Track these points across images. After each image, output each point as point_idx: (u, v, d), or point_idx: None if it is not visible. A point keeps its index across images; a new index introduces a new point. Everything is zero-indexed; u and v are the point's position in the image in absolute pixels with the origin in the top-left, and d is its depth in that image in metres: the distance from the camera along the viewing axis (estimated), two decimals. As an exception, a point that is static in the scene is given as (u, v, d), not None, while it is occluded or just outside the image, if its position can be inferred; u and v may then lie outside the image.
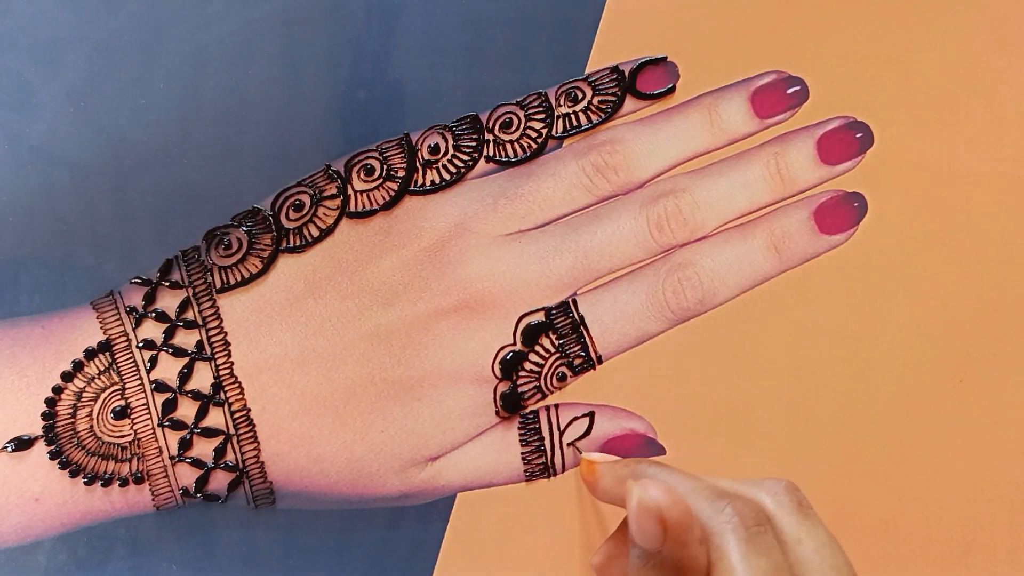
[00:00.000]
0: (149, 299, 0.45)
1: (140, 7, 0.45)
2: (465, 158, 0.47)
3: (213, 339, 0.45)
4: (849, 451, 0.47)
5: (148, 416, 0.44)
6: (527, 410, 0.47)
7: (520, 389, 0.46)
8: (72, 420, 0.44)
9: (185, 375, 0.44)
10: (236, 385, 0.44)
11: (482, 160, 0.47)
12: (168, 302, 0.45)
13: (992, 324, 0.48)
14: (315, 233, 0.46)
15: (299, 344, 0.45)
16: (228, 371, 0.44)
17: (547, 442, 0.47)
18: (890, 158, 0.48)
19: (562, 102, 0.47)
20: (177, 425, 0.44)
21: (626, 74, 0.48)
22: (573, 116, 0.47)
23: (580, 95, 0.47)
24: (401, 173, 0.46)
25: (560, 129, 0.47)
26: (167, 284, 0.45)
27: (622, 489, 0.39)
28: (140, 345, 0.44)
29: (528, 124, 0.47)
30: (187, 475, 0.44)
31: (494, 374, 0.46)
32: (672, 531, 0.35)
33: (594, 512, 0.47)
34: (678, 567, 0.36)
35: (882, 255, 0.48)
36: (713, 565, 0.36)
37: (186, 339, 0.45)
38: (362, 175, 0.46)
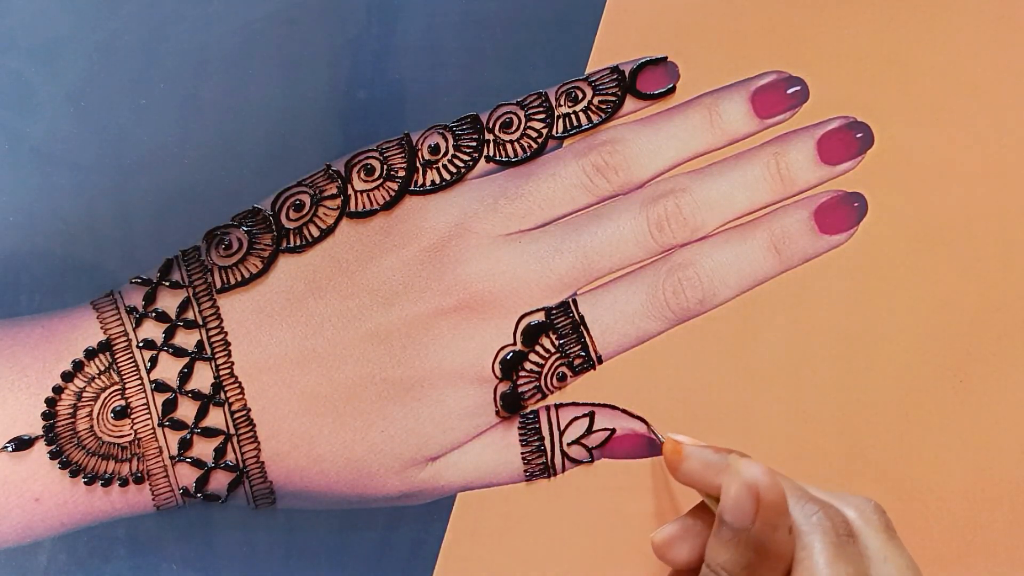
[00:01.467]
0: (149, 299, 0.45)
1: (140, 7, 0.45)
2: (465, 158, 0.47)
3: (213, 339, 0.45)
4: (849, 451, 0.47)
5: (148, 416, 0.44)
6: (527, 410, 0.47)
7: (520, 389, 0.46)
8: (72, 420, 0.44)
9: (185, 375, 0.44)
10: (236, 385, 0.44)
11: (482, 160, 0.47)
12: (168, 302, 0.45)
13: (992, 324, 0.48)
14: (315, 233, 0.46)
15: (299, 344, 0.45)
16: (228, 371, 0.44)
17: (547, 442, 0.47)
18: (890, 158, 0.48)
19: (562, 102, 0.47)
20: (177, 425, 0.44)
21: (626, 74, 0.48)
22: (573, 116, 0.47)
23: (580, 95, 0.47)
24: (401, 173, 0.46)
25: (560, 129, 0.47)
26: (167, 284, 0.45)
27: (707, 473, 0.40)
28: (140, 345, 0.44)
29: (528, 124, 0.47)
30: (187, 475, 0.44)
31: (494, 374, 0.46)
32: (765, 512, 0.36)
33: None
34: (763, 549, 0.37)
35: (882, 255, 0.48)
36: (798, 562, 0.37)
37: (186, 339, 0.45)
38: (362, 175, 0.46)
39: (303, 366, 0.45)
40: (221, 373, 0.44)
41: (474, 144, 0.47)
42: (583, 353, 0.47)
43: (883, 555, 0.38)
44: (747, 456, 0.40)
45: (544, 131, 0.47)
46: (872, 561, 0.37)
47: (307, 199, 0.46)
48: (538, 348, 0.46)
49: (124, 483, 0.44)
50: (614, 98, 0.47)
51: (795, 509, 0.38)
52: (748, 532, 0.37)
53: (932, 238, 0.48)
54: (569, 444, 0.47)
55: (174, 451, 0.44)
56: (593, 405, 0.47)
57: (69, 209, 0.45)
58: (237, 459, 0.44)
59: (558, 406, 0.47)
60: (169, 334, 0.44)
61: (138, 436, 0.44)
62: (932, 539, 0.47)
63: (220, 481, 0.45)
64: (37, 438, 0.43)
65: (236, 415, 0.44)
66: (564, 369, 0.47)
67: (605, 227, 0.47)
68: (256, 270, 0.45)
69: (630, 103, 0.48)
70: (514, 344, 0.46)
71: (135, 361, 0.44)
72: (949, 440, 0.48)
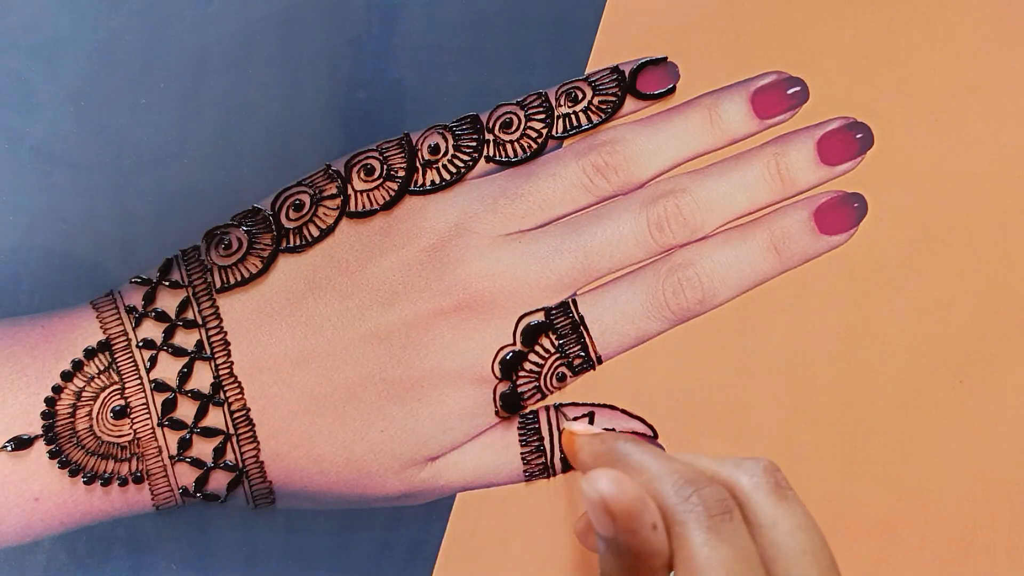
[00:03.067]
0: (149, 299, 0.45)
1: (140, 7, 0.45)
2: (465, 158, 0.47)
3: (213, 339, 0.45)
4: (849, 451, 0.47)
5: (148, 416, 0.44)
6: (527, 410, 0.47)
7: (520, 389, 0.46)
8: (72, 419, 0.44)
9: (185, 375, 0.44)
10: (236, 385, 0.44)
11: (482, 160, 0.47)
12: (168, 302, 0.45)
13: (992, 324, 0.48)
14: (315, 233, 0.46)
15: (299, 344, 0.45)
16: (228, 371, 0.44)
17: (547, 442, 0.47)
18: (890, 158, 0.48)
19: (562, 102, 0.47)
20: (177, 425, 0.44)
21: (626, 74, 0.48)
22: (573, 116, 0.47)
23: (580, 95, 0.47)
24: (401, 173, 0.46)
25: (560, 129, 0.47)
26: (167, 284, 0.45)
27: (598, 464, 0.40)
28: (140, 345, 0.44)
29: (528, 124, 0.47)
30: (187, 475, 0.44)
31: (494, 374, 0.46)
32: (620, 520, 0.36)
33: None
34: (633, 553, 0.36)
35: (882, 255, 0.48)
36: (676, 554, 0.36)
37: (186, 339, 0.45)
38: (362, 175, 0.46)
39: (303, 366, 0.45)
40: (221, 373, 0.44)
41: (474, 144, 0.47)
42: (583, 353, 0.47)
43: (772, 520, 0.37)
44: (633, 443, 0.40)
45: (544, 131, 0.47)
46: (762, 528, 0.37)
47: (307, 199, 0.46)
48: (538, 348, 0.46)
49: (123, 483, 0.44)
50: (614, 98, 0.47)
51: (671, 496, 0.37)
52: (616, 540, 0.37)
53: (932, 238, 0.48)
54: (557, 408, 0.47)
55: (173, 451, 0.44)
56: (593, 405, 0.47)
57: (69, 209, 0.45)
58: (236, 459, 0.44)
59: (558, 406, 0.47)
60: (169, 334, 0.44)
61: (137, 436, 0.44)
62: (932, 539, 0.47)
63: (219, 481, 0.45)
64: (36, 438, 0.43)
65: (235, 415, 0.44)
66: (564, 369, 0.47)
67: (605, 227, 0.47)
68: (256, 270, 0.45)
69: (630, 103, 0.48)
70: (514, 344, 0.46)
71: (134, 361, 0.44)
72: (949, 440, 0.48)
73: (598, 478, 0.37)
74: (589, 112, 0.47)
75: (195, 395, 0.44)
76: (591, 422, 0.47)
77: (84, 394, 0.44)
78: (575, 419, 0.47)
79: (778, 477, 0.38)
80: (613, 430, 0.46)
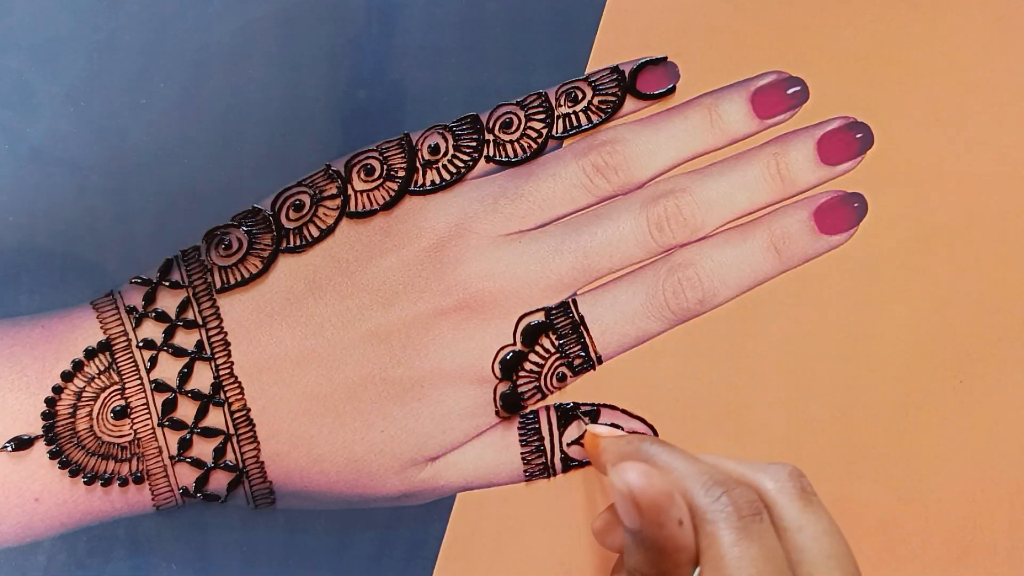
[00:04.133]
0: (149, 299, 0.45)
1: (140, 7, 0.45)
2: (465, 158, 0.47)
3: (213, 339, 0.45)
4: (849, 451, 0.47)
5: (148, 416, 0.44)
6: (527, 410, 0.47)
7: (520, 389, 0.46)
8: (72, 420, 0.44)
9: (185, 375, 0.44)
10: (236, 385, 0.44)
11: (482, 160, 0.47)
12: (168, 302, 0.45)
13: (992, 324, 0.48)
14: (315, 233, 0.46)
15: (299, 344, 0.45)
16: (228, 371, 0.44)
17: (547, 442, 0.47)
18: (890, 158, 0.48)
19: (562, 102, 0.47)
20: (177, 425, 0.44)
21: (626, 74, 0.48)
22: (573, 116, 0.47)
23: (580, 95, 0.47)
24: (401, 173, 0.46)
25: (560, 129, 0.47)
26: (167, 284, 0.45)
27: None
28: (140, 345, 0.44)
29: (528, 124, 0.47)
30: (187, 475, 0.44)
31: (494, 374, 0.46)
32: (647, 513, 0.36)
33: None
34: (659, 547, 0.37)
35: (882, 255, 0.48)
36: (703, 552, 0.37)
37: (186, 339, 0.45)
38: (362, 175, 0.46)
39: (303, 366, 0.45)
40: (221, 373, 0.44)
41: (474, 144, 0.47)
42: (583, 353, 0.47)
43: (798, 524, 0.37)
44: (659, 445, 0.40)
45: (544, 131, 0.47)
46: (788, 532, 0.37)
47: (307, 199, 0.46)
48: (538, 348, 0.46)
49: (124, 483, 0.44)
50: (614, 98, 0.47)
51: (700, 495, 0.37)
52: (642, 533, 0.37)
53: (932, 238, 0.48)
54: (569, 444, 0.47)
55: (174, 451, 0.44)
56: (593, 405, 0.47)
57: (69, 209, 0.45)
58: (237, 459, 0.44)
59: (558, 406, 0.47)
60: (169, 334, 0.44)
61: (138, 436, 0.44)
62: (932, 539, 0.47)
63: (220, 481, 0.45)
64: (37, 438, 0.43)
65: (236, 415, 0.44)
66: (564, 369, 0.47)
67: (605, 227, 0.47)
68: (256, 270, 0.45)
69: (630, 103, 0.48)
70: (514, 344, 0.46)
71: (135, 361, 0.44)
72: (949, 440, 0.48)
73: (627, 470, 0.37)
74: (589, 112, 0.47)
75: (195, 395, 0.44)
76: (591, 422, 0.47)
77: (84, 394, 0.44)
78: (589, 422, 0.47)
79: (804, 482, 0.39)
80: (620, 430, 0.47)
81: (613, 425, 0.47)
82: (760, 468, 0.39)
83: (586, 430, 0.43)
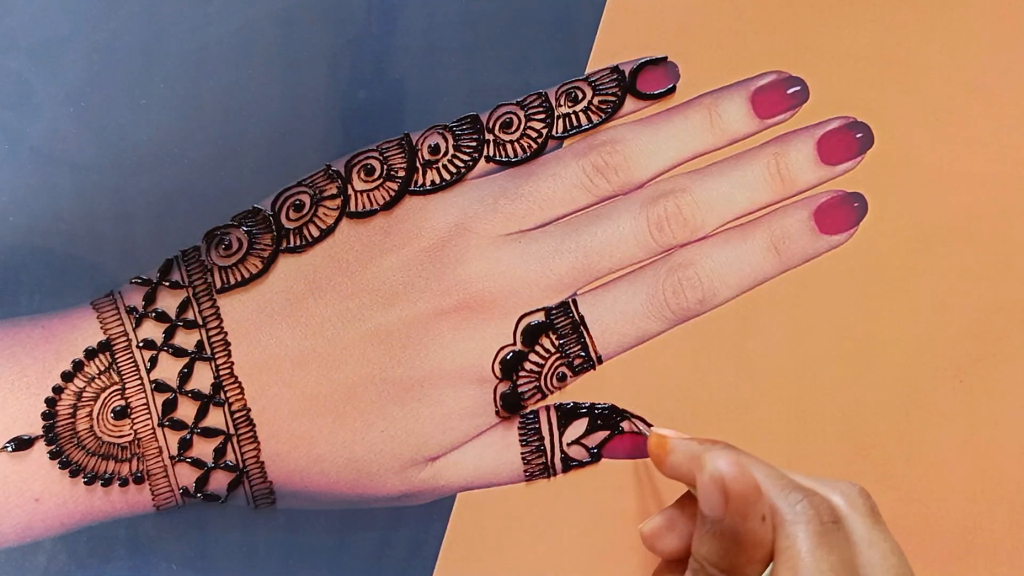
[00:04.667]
0: (149, 299, 0.45)
1: (140, 7, 0.45)
2: (465, 158, 0.47)
3: (213, 339, 0.45)
4: (849, 451, 0.47)
5: (148, 416, 0.44)
6: (527, 410, 0.47)
7: (520, 389, 0.46)
8: (72, 420, 0.44)
9: (185, 375, 0.44)
10: (236, 385, 0.44)
11: (482, 160, 0.47)
12: (168, 302, 0.45)
13: (992, 324, 0.48)
14: (315, 233, 0.46)
15: (299, 344, 0.45)
16: (228, 371, 0.44)
17: (547, 442, 0.47)
18: (890, 158, 0.48)
19: (562, 102, 0.47)
20: (177, 425, 0.44)
21: (626, 74, 0.48)
22: (573, 116, 0.47)
23: (580, 95, 0.47)
24: (401, 173, 0.46)
25: (560, 129, 0.47)
26: (167, 284, 0.45)
27: (693, 466, 0.40)
28: (140, 345, 0.44)
29: (528, 124, 0.47)
30: (187, 475, 0.44)
31: (494, 374, 0.46)
32: (733, 502, 0.37)
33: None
34: (738, 539, 0.37)
35: (882, 255, 0.48)
36: (781, 551, 0.37)
37: (186, 339, 0.45)
38: (362, 175, 0.46)
39: (303, 366, 0.45)
40: (221, 373, 0.44)
41: (474, 144, 0.47)
42: (583, 353, 0.47)
43: (868, 540, 0.38)
44: (730, 447, 0.40)
45: (544, 131, 0.47)
46: (858, 546, 0.38)
47: (307, 199, 0.46)
48: (538, 348, 0.46)
49: (124, 483, 0.44)
50: (614, 98, 0.47)
51: (779, 498, 0.38)
52: (722, 523, 0.37)
53: (932, 238, 0.48)
54: (569, 444, 0.47)
55: (174, 451, 0.44)
56: (593, 405, 0.47)
57: (69, 209, 0.45)
58: (237, 459, 0.44)
59: (558, 406, 0.47)
60: (169, 334, 0.44)
61: (138, 436, 0.44)
62: (932, 539, 0.47)
63: (220, 481, 0.45)
64: (37, 438, 0.43)
65: (236, 415, 0.44)
66: (564, 369, 0.47)
67: (605, 227, 0.47)
68: (256, 270, 0.45)
69: (630, 103, 0.48)
70: (514, 344, 0.46)
71: (135, 361, 0.44)
72: (949, 440, 0.48)
73: (720, 456, 0.37)
74: (589, 112, 0.47)
75: (195, 395, 0.44)
76: (591, 422, 0.47)
77: (85, 394, 0.44)
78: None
79: (872, 502, 0.39)
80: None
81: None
82: (830, 484, 0.40)
83: (651, 431, 0.42)
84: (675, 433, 0.42)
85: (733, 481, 0.37)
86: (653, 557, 0.43)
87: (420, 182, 0.46)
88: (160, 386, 0.44)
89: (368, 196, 0.46)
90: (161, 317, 0.44)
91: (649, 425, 0.47)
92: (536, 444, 0.47)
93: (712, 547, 0.38)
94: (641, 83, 0.48)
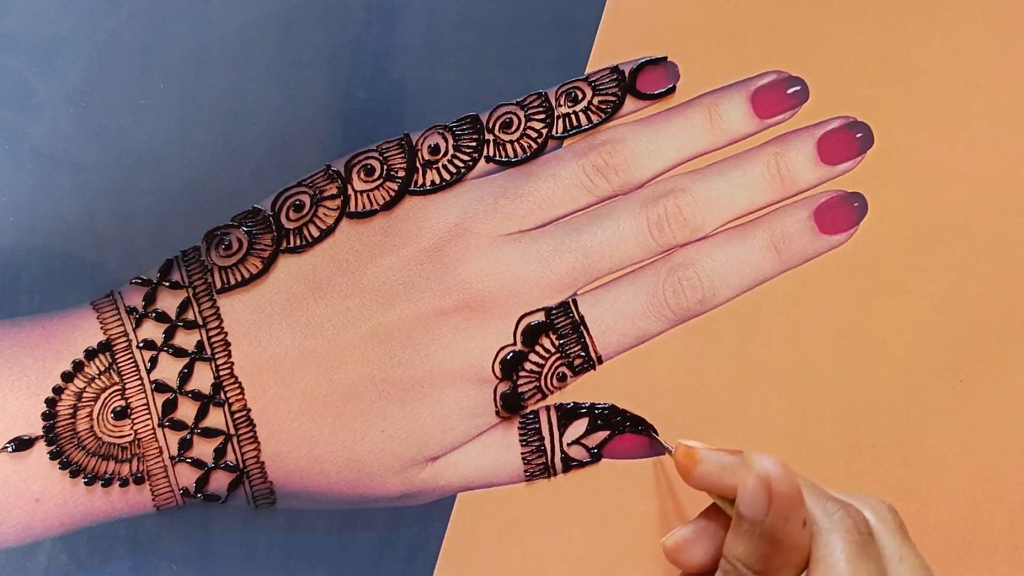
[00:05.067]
0: (149, 299, 0.45)
1: (140, 7, 0.45)
2: (465, 158, 0.47)
3: (213, 339, 0.45)
4: (849, 451, 0.47)
5: (148, 416, 0.44)
6: (527, 410, 0.47)
7: (520, 389, 0.46)
8: (72, 420, 0.44)
9: (185, 375, 0.44)
10: (236, 385, 0.44)
11: (482, 160, 0.47)
12: (168, 302, 0.45)
13: (992, 324, 0.48)
14: (315, 233, 0.46)
15: (299, 344, 0.45)
16: (228, 371, 0.44)
17: (547, 442, 0.47)
18: (890, 158, 0.48)
19: (562, 102, 0.47)
20: (177, 425, 0.44)
21: (626, 74, 0.47)
22: (573, 116, 0.47)
23: (580, 95, 0.47)
24: (401, 173, 0.46)
25: (560, 129, 0.47)
26: (167, 284, 0.45)
27: (724, 475, 0.40)
28: (140, 345, 0.44)
29: (528, 124, 0.47)
30: (187, 475, 0.44)
31: (494, 374, 0.46)
32: (777, 504, 0.37)
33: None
34: (776, 541, 0.37)
35: (882, 255, 0.48)
36: (819, 560, 0.37)
37: (186, 339, 0.45)
38: (362, 175, 0.46)
39: (303, 366, 0.45)
40: (221, 373, 0.44)
41: (474, 144, 0.47)
42: (583, 353, 0.47)
43: (898, 555, 0.38)
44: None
45: (544, 131, 0.47)
46: (888, 561, 0.38)
47: (307, 199, 0.46)
48: (538, 348, 0.46)
49: (124, 483, 0.44)
50: (614, 98, 0.47)
51: (816, 508, 0.38)
52: (762, 524, 0.37)
53: (932, 238, 0.48)
54: (569, 444, 0.47)
55: (174, 451, 0.44)
56: (593, 405, 0.47)
57: (69, 209, 0.45)
58: (237, 459, 0.44)
59: (558, 406, 0.47)
60: (169, 334, 0.44)
61: (138, 436, 0.44)
62: (932, 539, 0.47)
63: (220, 481, 0.45)
64: (37, 438, 0.43)
65: (236, 415, 0.44)
66: (564, 369, 0.47)
67: (605, 227, 0.47)
68: (256, 270, 0.45)
69: (630, 103, 0.48)
70: (514, 344, 0.46)
71: (135, 361, 0.44)
72: (949, 440, 0.48)
73: (764, 458, 0.38)
74: (589, 112, 0.47)
75: (196, 396, 0.44)
76: (591, 422, 0.47)
77: (85, 395, 0.44)
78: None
79: (900, 519, 0.40)
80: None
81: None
82: (860, 498, 0.40)
83: (678, 443, 0.42)
84: (701, 444, 0.42)
85: (778, 482, 0.37)
86: (652, 557, 0.43)
87: (420, 182, 0.46)
88: (160, 386, 0.44)
89: (368, 196, 0.46)
90: (161, 317, 0.44)
91: (649, 426, 0.47)
92: (536, 444, 0.47)
93: (748, 548, 0.38)
94: (641, 83, 0.48)
